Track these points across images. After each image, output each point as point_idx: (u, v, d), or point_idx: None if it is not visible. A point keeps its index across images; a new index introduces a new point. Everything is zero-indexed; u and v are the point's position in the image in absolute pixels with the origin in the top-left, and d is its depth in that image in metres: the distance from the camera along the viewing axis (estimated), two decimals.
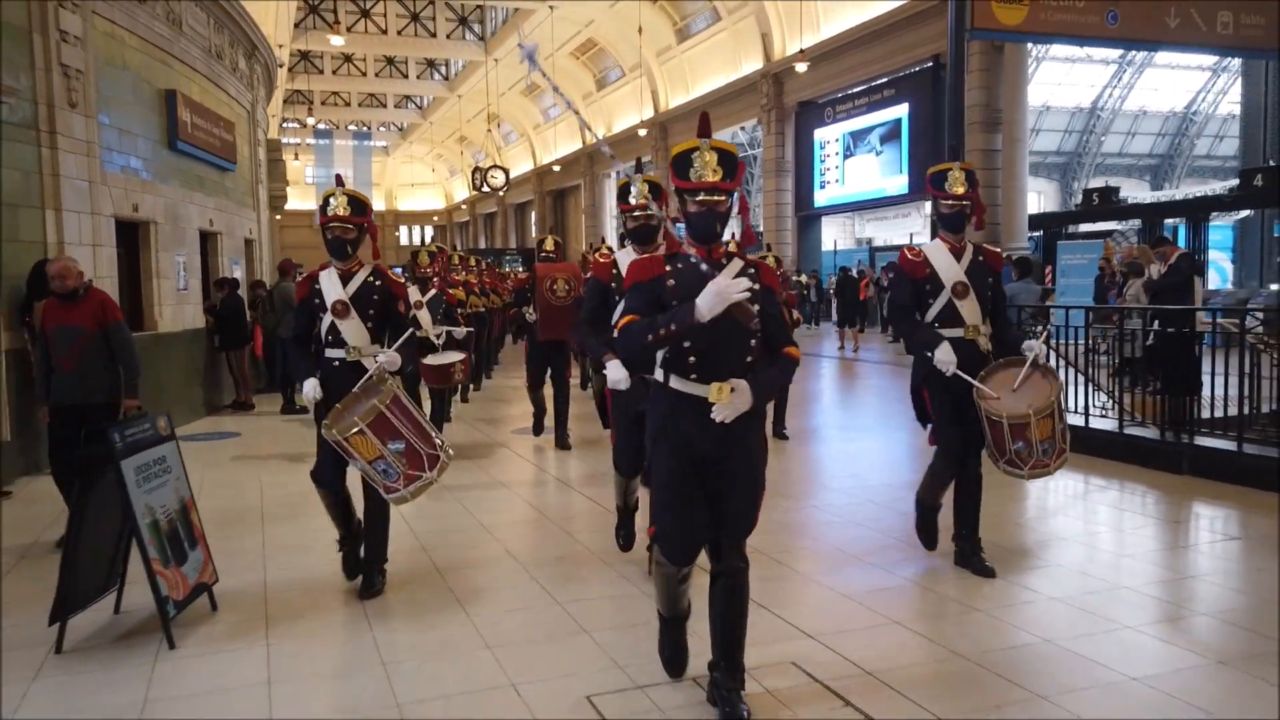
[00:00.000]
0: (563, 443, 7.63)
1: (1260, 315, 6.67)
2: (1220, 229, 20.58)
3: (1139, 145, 35.12)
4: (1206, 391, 6.72)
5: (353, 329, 4.10)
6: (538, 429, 7.93)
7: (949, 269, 4.35)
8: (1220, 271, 21.31)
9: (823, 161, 24.17)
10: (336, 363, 4.11)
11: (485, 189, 31.75)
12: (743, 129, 29.23)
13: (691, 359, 2.81)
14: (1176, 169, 35.37)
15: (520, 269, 25.82)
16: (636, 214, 4.19)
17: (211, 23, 10.74)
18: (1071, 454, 4.47)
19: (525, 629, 3.71)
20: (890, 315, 4.50)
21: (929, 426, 4.52)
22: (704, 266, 2.79)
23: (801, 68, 21.21)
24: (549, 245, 7.94)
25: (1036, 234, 20.13)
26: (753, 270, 2.89)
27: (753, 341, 2.84)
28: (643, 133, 28.44)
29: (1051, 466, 4.33)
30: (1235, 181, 20.32)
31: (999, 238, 17.44)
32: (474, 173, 31.97)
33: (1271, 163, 18.03)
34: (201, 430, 8.78)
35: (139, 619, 3.81)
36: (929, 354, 4.29)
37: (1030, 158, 23.49)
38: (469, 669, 3.32)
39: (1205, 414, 6.70)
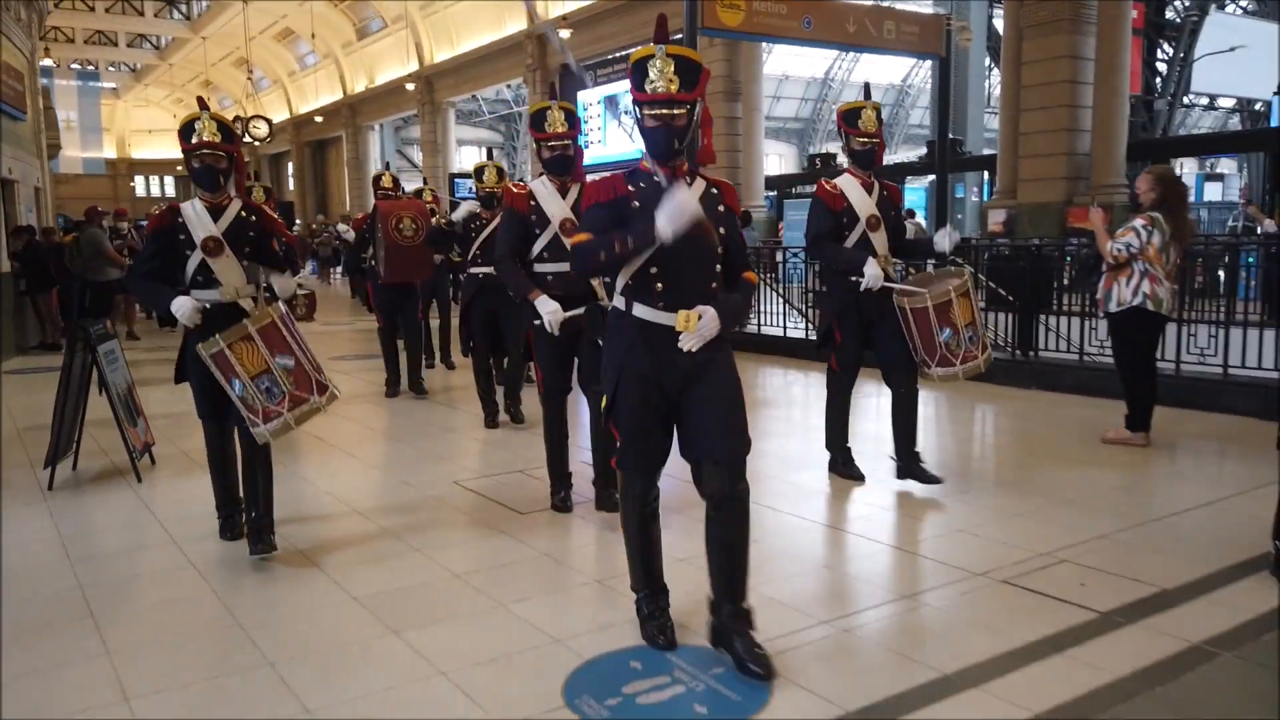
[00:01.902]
0: (516, 415, 6.46)
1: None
2: (915, 190, 24.70)
3: (783, 109, 40.14)
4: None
5: (228, 268, 3.82)
6: (392, 389, 7.51)
7: (862, 203, 4.60)
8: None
9: (586, 123, 26.21)
10: (209, 305, 3.78)
11: (247, 139, 31.08)
12: (509, 87, 30.66)
13: (659, 285, 2.71)
14: (895, 137, 40.73)
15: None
16: (553, 143, 4.13)
17: None
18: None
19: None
20: (811, 245, 4.77)
21: (832, 354, 4.79)
22: (665, 183, 2.65)
23: (565, 34, 22.95)
24: (387, 182, 7.75)
25: (771, 193, 23.31)
26: (715, 190, 2.82)
27: (718, 266, 2.79)
28: (410, 87, 29.15)
29: (980, 359, 4.56)
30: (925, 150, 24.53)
31: (741, 199, 20.33)
32: (234, 121, 31.16)
33: (953, 136, 22.04)
34: (19, 366, 9.42)
35: (99, 470, 5.16)
36: (858, 275, 4.52)
37: (771, 123, 26.83)
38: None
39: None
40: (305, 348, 3.72)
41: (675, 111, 2.67)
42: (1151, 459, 5.24)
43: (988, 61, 24.52)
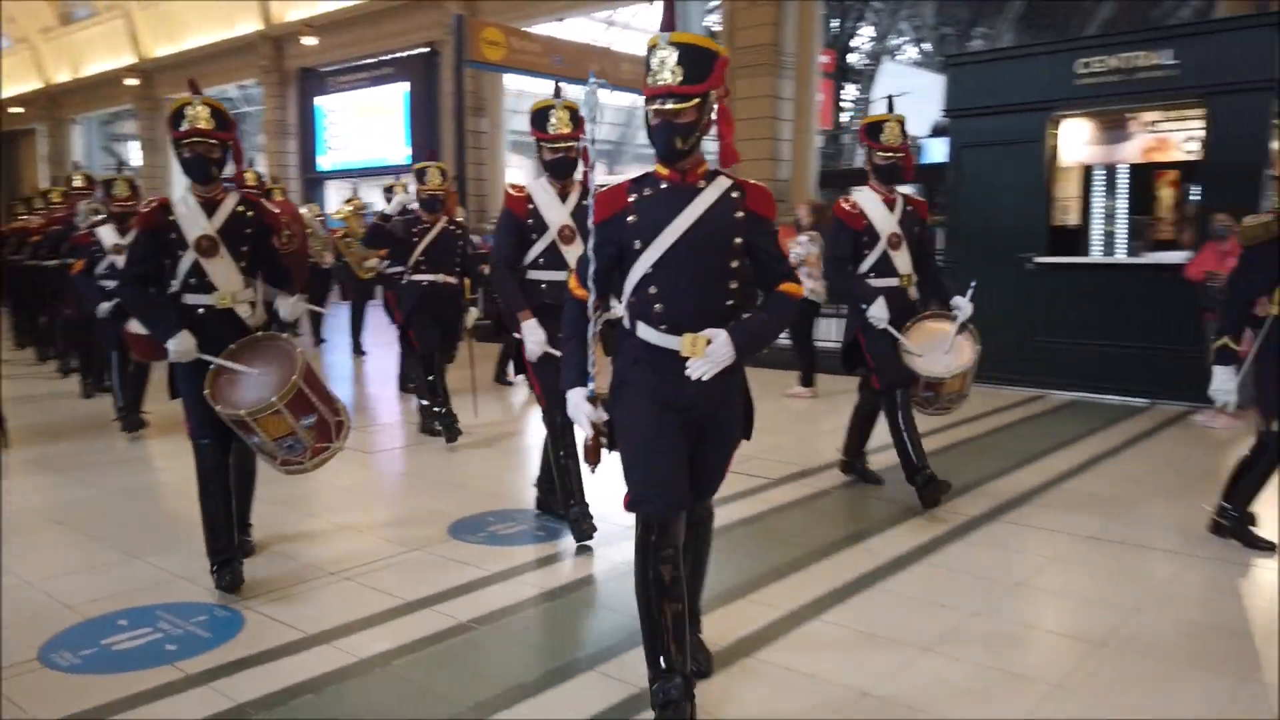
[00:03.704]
0: (450, 433, 6.15)
1: None
2: None
3: (600, 132, 42.80)
4: None
5: (222, 269, 3.57)
6: None
7: (884, 220, 4.51)
8: None
9: (326, 128, 26.51)
10: (202, 310, 3.55)
11: None
12: (240, 87, 30.09)
13: (658, 306, 2.51)
14: (625, 155, 43.96)
15: None
16: (556, 145, 3.94)
17: None
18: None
19: None
20: (826, 268, 4.94)
21: (872, 373, 4.74)
22: (666, 188, 2.52)
23: (310, 41, 23.31)
24: (251, 179, 7.45)
25: None
26: (736, 194, 2.55)
27: (733, 283, 2.54)
28: (131, 81, 27.93)
29: (952, 409, 4.82)
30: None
31: (486, 208, 21.78)
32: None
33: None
34: None
35: None
36: (863, 307, 4.56)
37: (513, 137, 28.47)
38: None
39: None
40: (320, 393, 3.58)
41: (679, 106, 2.43)
42: (818, 405, 7.44)
43: None
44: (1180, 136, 7.66)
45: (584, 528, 4.04)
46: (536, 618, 3.47)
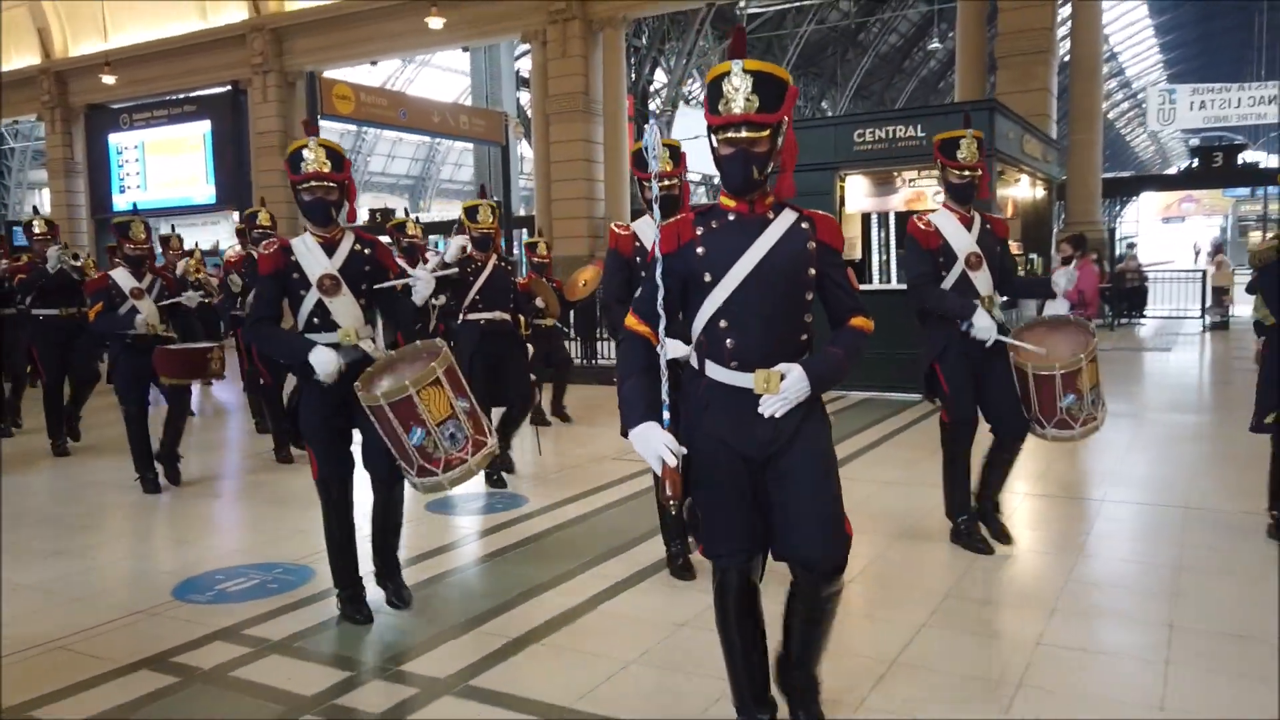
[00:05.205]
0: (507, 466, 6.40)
1: None
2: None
3: (398, 167, 43.42)
4: None
5: (345, 308, 3.71)
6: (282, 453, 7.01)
7: (961, 239, 4.35)
8: None
9: (121, 166, 25.89)
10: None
11: None
12: (14, 122, 28.71)
13: (729, 342, 2.46)
14: (429, 189, 44.67)
15: None
16: (664, 184, 3.94)
17: None
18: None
19: None
20: (912, 289, 4.47)
21: (939, 403, 4.55)
22: (733, 219, 2.48)
23: (109, 79, 22.89)
24: (264, 219, 7.38)
25: None
26: (806, 225, 2.51)
27: (806, 316, 2.51)
28: None
29: (1100, 418, 4.39)
30: None
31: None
32: None
33: (497, 198, 26.25)
34: None
35: None
36: (966, 323, 4.27)
37: (388, 179, 28.84)
38: None
39: None
40: (463, 389, 3.62)
41: (755, 135, 2.39)
42: None
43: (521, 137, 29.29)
44: (931, 190, 10.01)
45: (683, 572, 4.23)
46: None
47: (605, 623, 3.88)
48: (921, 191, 10.03)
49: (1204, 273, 18.25)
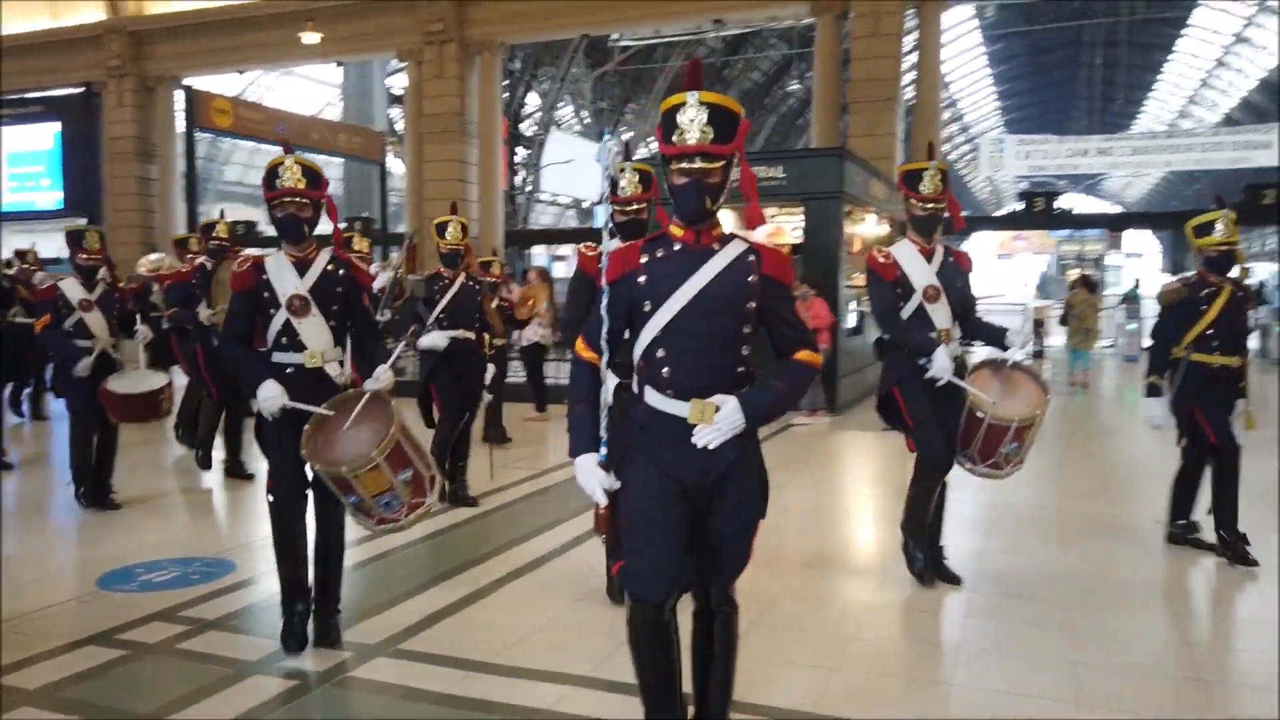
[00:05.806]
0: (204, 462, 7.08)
1: None
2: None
3: (256, 177, 42.43)
4: None
5: (314, 329, 3.68)
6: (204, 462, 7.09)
7: (920, 272, 4.36)
8: None
9: None
10: (290, 369, 3.66)
11: None
12: None
13: (665, 370, 2.52)
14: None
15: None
16: (629, 208, 3.98)
17: None
18: None
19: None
20: (880, 321, 4.56)
21: (907, 435, 4.54)
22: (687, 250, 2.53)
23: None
24: (222, 231, 7.16)
25: None
26: (752, 258, 2.54)
27: (744, 349, 2.55)
28: None
29: (1024, 460, 4.47)
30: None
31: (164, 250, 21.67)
32: None
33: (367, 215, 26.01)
34: None
35: None
36: (925, 360, 4.29)
37: (226, 187, 27.84)
38: None
39: None
40: (415, 448, 3.66)
41: (709, 166, 2.46)
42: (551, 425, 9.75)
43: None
44: (790, 226, 11.01)
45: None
46: None
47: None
48: (781, 227, 11.01)
49: (1023, 306, 20.18)
